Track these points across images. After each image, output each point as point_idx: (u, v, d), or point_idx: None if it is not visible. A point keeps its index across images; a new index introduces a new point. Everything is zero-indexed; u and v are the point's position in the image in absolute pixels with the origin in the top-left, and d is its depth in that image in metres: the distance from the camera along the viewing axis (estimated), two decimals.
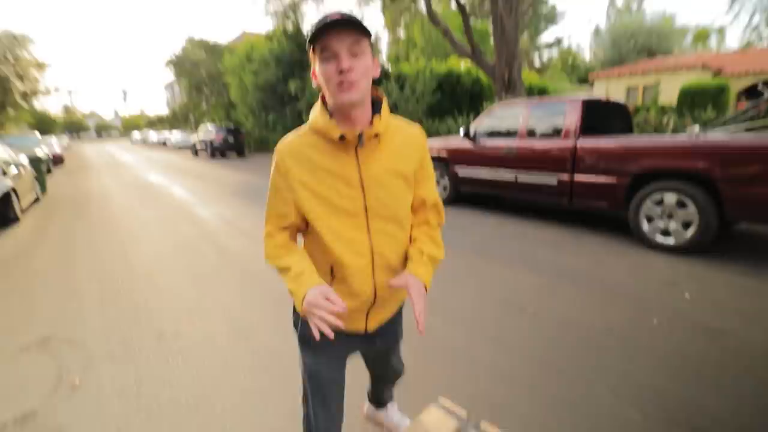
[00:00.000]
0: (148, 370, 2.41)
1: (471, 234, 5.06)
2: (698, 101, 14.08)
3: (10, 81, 20.17)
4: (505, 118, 5.79)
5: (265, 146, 19.19)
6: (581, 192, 4.78)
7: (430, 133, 10.55)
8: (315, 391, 1.19)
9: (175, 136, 30.82)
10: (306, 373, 1.21)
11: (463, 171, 6.28)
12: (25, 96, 21.99)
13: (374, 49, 1.04)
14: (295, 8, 13.87)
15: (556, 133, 5.05)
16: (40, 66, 21.36)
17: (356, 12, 19.32)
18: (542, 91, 18.40)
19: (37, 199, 8.74)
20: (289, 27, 15.45)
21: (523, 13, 11.92)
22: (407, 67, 14.06)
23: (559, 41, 35.84)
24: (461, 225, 5.51)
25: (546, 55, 37.12)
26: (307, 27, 12.29)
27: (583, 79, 29.57)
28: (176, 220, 6.41)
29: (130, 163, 17.99)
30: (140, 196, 8.83)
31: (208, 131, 19.51)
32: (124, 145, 42.40)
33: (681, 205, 4.01)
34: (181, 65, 23.31)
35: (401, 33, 22.92)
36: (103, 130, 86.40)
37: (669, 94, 15.86)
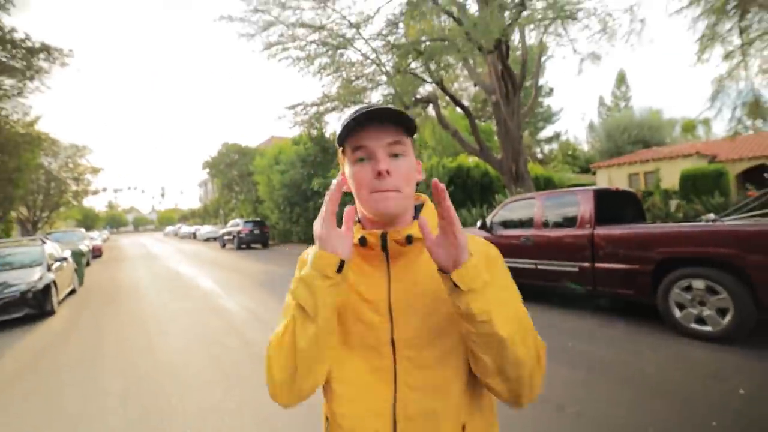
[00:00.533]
0: None
1: None
2: (699, 185, 14.26)
3: (67, 184, 21.91)
4: (519, 210, 5.87)
5: (288, 237, 19.67)
6: (604, 280, 4.62)
7: None
8: None
9: (204, 228, 32.00)
10: None
11: None
12: (76, 195, 23.66)
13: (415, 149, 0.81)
14: (319, 118, 15.20)
15: (572, 222, 5.06)
16: (95, 170, 23.31)
17: None
18: (548, 181, 18.88)
19: (73, 291, 8.86)
20: (313, 133, 16.82)
21: (524, 115, 12.80)
22: (425, 166, 14.86)
23: (557, 135, 37.78)
24: None
25: (547, 147, 38.89)
26: (329, 131, 13.23)
27: (584, 168, 30.54)
28: (203, 312, 6.34)
29: (161, 255, 18.47)
30: (169, 288, 8.88)
31: (236, 224, 20.24)
32: (158, 237, 43.96)
33: (711, 291, 3.81)
34: (215, 166, 25.12)
35: None
36: (140, 224, 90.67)
37: (669, 179, 16.10)
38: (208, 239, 29.88)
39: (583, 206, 4.96)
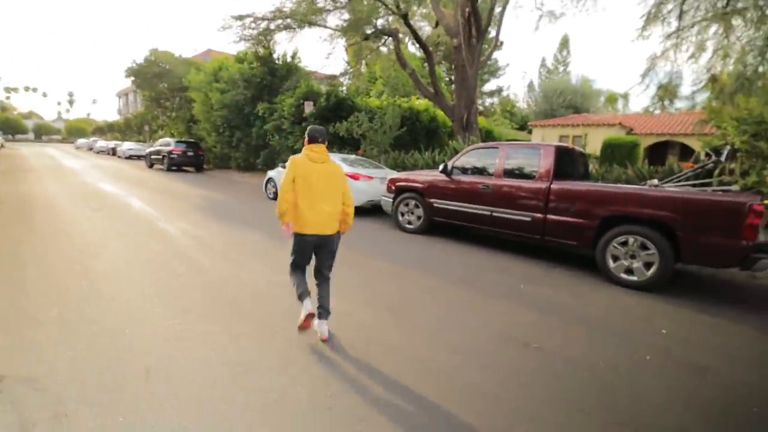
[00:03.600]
0: (139, 416, 1.95)
1: (453, 265, 4.96)
2: (616, 153, 15.60)
3: None
4: (481, 158, 5.87)
5: (226, 163, 18.18)
6: (553, 230, 4.89)
7: (398, 164, 10.55)
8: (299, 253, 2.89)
9: (125, 145, 28.37)
10: (294, 248, 2.88)
11: (439, 203, 6.24)
12: None
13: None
14: (268, 34, 13.49)
15: (531, 174, 5.19)
16: None
17: (324, 47, 19.33)
18: (488, 133, 19.29)
19: None
20: (261, 51, 15.02)
21: (482, 63, 12.56)
22: (376, 102, 14.13)
23: (500, 90, 38.31)
24: (441, 254, 5.41)
25: (488, 101, 39.43)
26: (279, 52, 11.83)
27: (521, 125, 31.75)
28: (140, 234, 5.67)
29: (76, 170, 16.11)
30: (94, 206, 7.79)
31: (166, 143, 18.15)
32: (68, 150, 38.25)
33: (643, 247, 4.21)
34: (142, 74, 21.68)
35: (363, 68, 23.15)
36: (43, 132, 77.52)
37: (593, 145, 17.36)
38: (130, 157, 26.67)
39: (544, 160, 5.08)
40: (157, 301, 3.39)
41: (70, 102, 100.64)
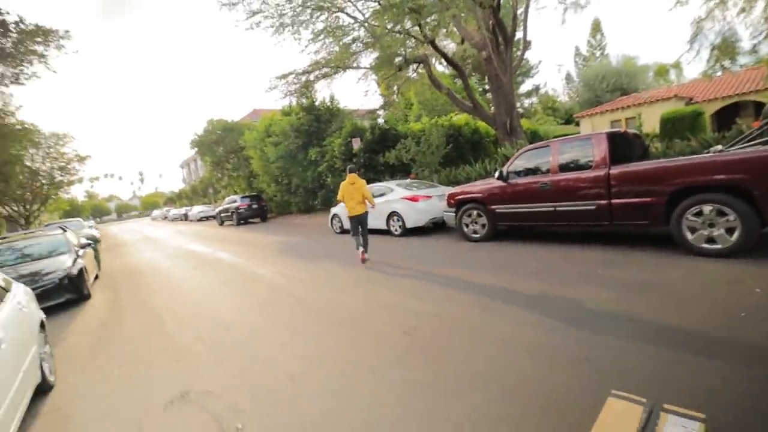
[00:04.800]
0: (299, 406, 2.51)
1: (528, 262, 5.23)
2: (678, 127, 14.77)
3: (53, 175, 21.09)
4: (534, 158, 6.17)
5: (287, 209, 19.70)
6: (622, 214, 5.01)
7: (450, 181, 11.01)
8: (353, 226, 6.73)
9: (195, 209, 31.57)
10: (351, 225, 6.78)
11: (501, 208, 6.55)
12: (62, 185, 22.87)
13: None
14: (309, 86, 14.90)
15: (587, 164, 5.39)
16: (82, 158, 22.39)
17: (359, 86, 20.57)
18: (534, 134, 19.12)
19: (97, 276, 8.93)
20: (304, 102, 16.48)
21: (515, 68, 12.85)
22: (418, 126, 14.87)
23: (537, 89, 37.74)
24: (513, 255, 5.69)
25: (527, 102, 38.87)
26: (319, 100, 12.98)
27: (566, 119, 30.87)
28: (240, 280, 6.57)
29: (161, 237, 18.35)
30: (191, 264, 9.02)
31: (233, 200, 20.10)
32: (147, 222, 43.16)
33: (720, 214, 4.23)
34: (203, 143, 24.45)
35: (396, 96, 24.07)
36: (123, 211, 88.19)
37: (650, 123, 16.54)
38: (201, 219, 29.64)
39: (598, 148, 5.27)
40: (280, 328, 4.06)
41: (141, 180, 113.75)
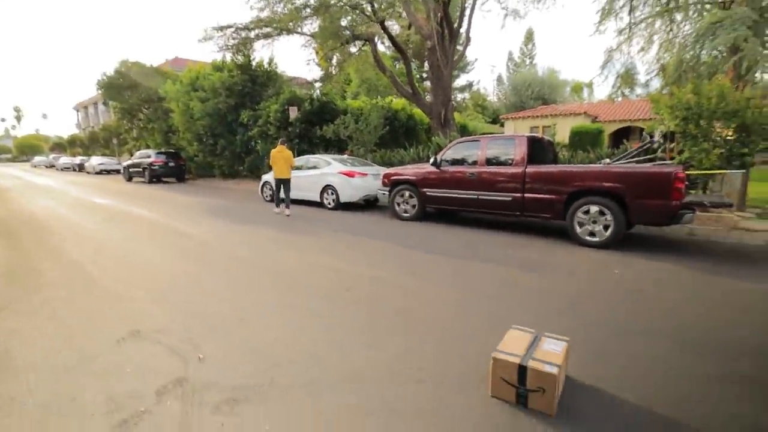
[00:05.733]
0: (253, 340, 2.88)
1: (450, 242, 6.02)
2: (583, 140, 17.15)
3: None
4: (465, 150, 6.98)
5: (209, 172, 18.68)
6: (531, 207, 6.03)
7: (384, 162, 11.60)
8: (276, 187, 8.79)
9: (96, 160, 28.13)
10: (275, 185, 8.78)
11: (431, 192, 7.30)
12: None
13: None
14: (248, 44, 14.23)
15: (509, 162, 6.31)
16: None
17: (301, 51, 19.94)
18: (464, 128, 20.52)
19: None
20: (239, 59, 15.66)
21: (455, 62, 13.74)
22: (357, 103, 15.12)
23: (470, 85, 39.95)
24: (438, 234, 6.46)
25: (459, 96, 40.99)
26: (257, 60, 12.63)
27: (493, 119, 33.35)
28: (167, 236, 6.45)
29: (55, 187, 16.28)
30: (103, 217, 8.41)
31: (145, 155, 18.51)
32: (27, 169, 37.22)
33: (601, 213, 5.39)
34: (112, 86, 21.72)
35: (334, 69, 23.88)
36: None
37: (562, 133, 18.91)
38: (101, 172, 26.58)
39: (519, 149, 6.21)
40: (221, 280, 4.27)
41: (18, 118, 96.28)
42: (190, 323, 3.17)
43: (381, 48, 24.74)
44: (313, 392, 2.24)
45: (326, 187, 9.32)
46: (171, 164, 18.19)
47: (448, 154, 7.17)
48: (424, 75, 36.98)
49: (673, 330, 2.97)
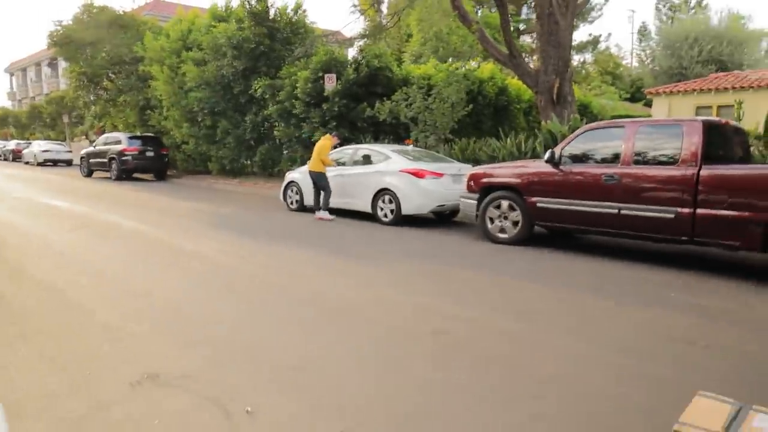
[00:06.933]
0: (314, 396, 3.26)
1: (572, 276, 6.21)
2: None
3: None
4: (600, 141, 7.20)
5: (201, 166, 19.89)
6: (707, 229, 6.09)
7: (467, 157, 11.90)
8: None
9: (39, 145, 30.50)
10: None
11: (544, 202, 7.52)
12: None
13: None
14: None
15: (671, 160, 6.44)
16: None
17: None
18: (584, 108, 20.48)
19: None
20: (252, 3, 16.71)
21: (580, 6, 13.96)
22: (421, 70, 15.67)
23: (596, 41, 39.47)
24: (551, 265, 6.67)
25: (577, 58, 40.64)
26: (277, 5, 13.54)
27: (631, 93, 32.82)
28: (162, 255, 7.13)
29: None
30: (65, 226, 9.34)
31: (114, 140, 19.92)
32: None
33: None
34: (70, 41, 23.67)
35: (386, 20, 24.73)
36: None
37: (751, 116, 18.30)
38: (45, 162, 28.88)
39: (688, 140, 6.32)
40: (251, 315, 4.75)
41: None
42: (227, 369, 3.62)
43: None
44: None
45: (381, 192, 9.79)
46: (149, 153, 19.54)
47: (574, 146, 7.39)
48: (522, 27, 37.26)
49: None
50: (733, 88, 19.79)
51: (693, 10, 36.67)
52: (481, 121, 16.38)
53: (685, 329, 4.45)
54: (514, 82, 18.02)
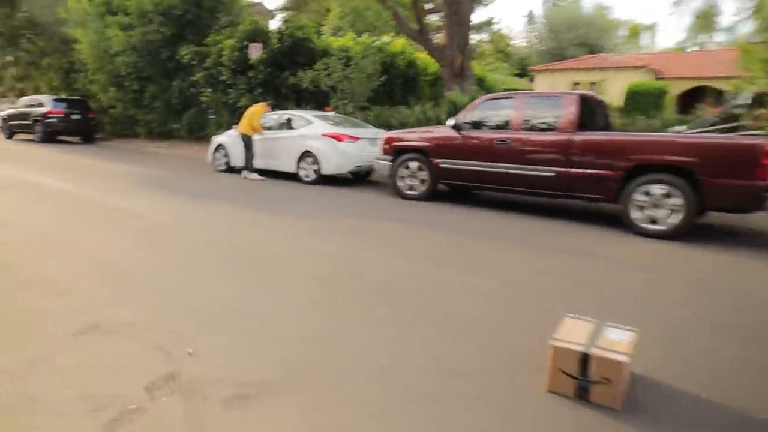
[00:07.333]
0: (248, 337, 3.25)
1: (469, 224, 6.47)
2: (642, 102, 17.82)
3: None
4: (495, 110, 7.43)
5: (130, 128, 18.61)
6: (578, 185, 6.50)
7: (380, 123, 11.89)
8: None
9: None
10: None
11: (447, 163, 7.71)
12: None
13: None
14: None
15: (551, 127, 6.76)
16: None
17: None
18: (480, 81, 20.96)
19: None
20: None
21: None
22: (339, 42, 15.33)
23: (489, 22, 40.12)
24: (453, 215, 6.92)
25: (474, 37, 41.22)
26: None
27: (520, 70, 33.90)
28: (102, 216, 6.71)
29: None
30: (14, 195, 8.57)
31: (37, 103, 18.28)
32: None
33: (667, 195, 5.87)
34: None
35: None
36: None
37: (612, 92, 19.58)
38: None
39: (566, 110, 6.65)
40: (194, 269, 4.60)
41: None
42: (166, 317, 3.50)
43: None
44: (344, 385, 2.60)
45: (305, 154, 9.65)
46: (75, 117, 18.04)
47: (473, 114, 7.58)
48: (429, 6, 37.06)
49: (743, 325, 3.48)
50: (599, 68, 21.01)
51: (570, 1, 38.09)
52: (393, 90, 16.39)
53: (558, 265, 4.81)
54: (422, 56, 18.06)
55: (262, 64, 13.69)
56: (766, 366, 2.97)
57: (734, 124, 7.43)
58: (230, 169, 10.89)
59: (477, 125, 7.53)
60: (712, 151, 5.69)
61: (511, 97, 7.36)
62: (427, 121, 11.45)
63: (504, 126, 7.24)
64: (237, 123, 10.46)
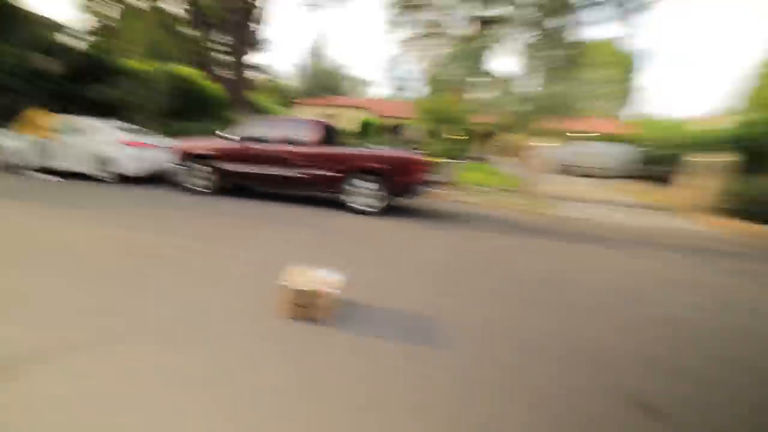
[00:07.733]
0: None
1: (250, 210, 6.61)
2: (369, 130, 20.22)
3: None
4: (266, 128, 7.70)
5: None
6: (319, 182, 7.24)
7: (173, 135, 10.72)
8: None
9: None
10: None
11: (229, 167, 7.64)
12: None
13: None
14: None
15: (303, 142, 7.34)
16: None
17: None
18: (255, 107, 20.55)
19: None
20: None
21: (258, 45, 13.91)
22: (140, 65, 13.19)
23: (266, 66, 39.15)
24: (238, 208, 6.94)
25: (255, 76, 39.76)
26: None
27: (285, 102, 34.13)
28: None
29: None
30: None
31: None
32: None
33: (371, 188, 7.04)
34: None
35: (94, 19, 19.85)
36: None
37: (344, 122, 21.60)
38: None
39: (312, 130, 7.32)
40: None
41: None
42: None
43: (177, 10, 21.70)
44: (116, 345, 2.41)
45: (101, 158, 8.28)
46: None
47: (250, 130, 7.66)
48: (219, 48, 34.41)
49: (415, 261, 4.60)
50: (336, 105, 22.83)
51: (322, 58, 39.91)
52: (188, 109, 14.91)
53: (298, 235, 5.37)
54: (212, 85, 16.77)
55: (57, 76, 10.89)
56: (420, 282, 4.00)
57: (414, 146, 9.24)
58: (8, 168, 8.73)
59: (251, 138, 7.63)
60: (393, 161, 7.02)
61: (277, 120, 7.72)
62: (209, 135, 10.86)
63: (270, 140, 7.52)
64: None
